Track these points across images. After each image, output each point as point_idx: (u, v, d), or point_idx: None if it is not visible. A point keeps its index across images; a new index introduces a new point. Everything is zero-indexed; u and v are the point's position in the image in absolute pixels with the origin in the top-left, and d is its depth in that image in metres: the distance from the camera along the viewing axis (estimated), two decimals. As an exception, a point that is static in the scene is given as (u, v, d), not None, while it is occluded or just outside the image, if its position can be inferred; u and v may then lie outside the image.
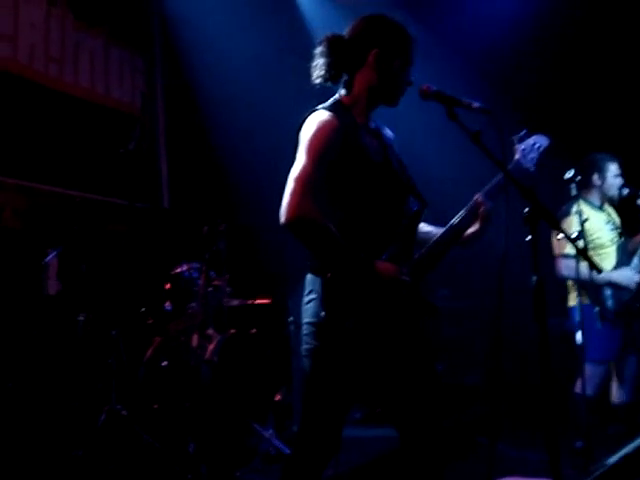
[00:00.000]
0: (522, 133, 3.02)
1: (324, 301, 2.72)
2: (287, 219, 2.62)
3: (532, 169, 2.97)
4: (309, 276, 2.82)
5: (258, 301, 5.56)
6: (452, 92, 2.79)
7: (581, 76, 6.34)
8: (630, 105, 6.19)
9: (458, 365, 6.82)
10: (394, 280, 2.69)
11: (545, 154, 3.03)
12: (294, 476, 2.79)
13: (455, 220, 2.90)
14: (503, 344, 5.87)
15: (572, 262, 4.62)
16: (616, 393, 5.10)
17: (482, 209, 2.90)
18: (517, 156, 3.00)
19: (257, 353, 4.95)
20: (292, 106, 3.12)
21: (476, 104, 2.75)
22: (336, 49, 2.87)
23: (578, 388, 4.54)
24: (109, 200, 5.00)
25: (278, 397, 5.02)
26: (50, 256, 4.48)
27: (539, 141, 3.01)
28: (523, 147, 2.98)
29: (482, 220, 2.91)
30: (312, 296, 2.78)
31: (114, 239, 5.16)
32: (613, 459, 3.29)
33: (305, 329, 2.80)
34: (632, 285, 4.90)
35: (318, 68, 2.88)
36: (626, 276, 4.92)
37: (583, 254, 2.90)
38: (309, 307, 2.79)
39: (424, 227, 3.07)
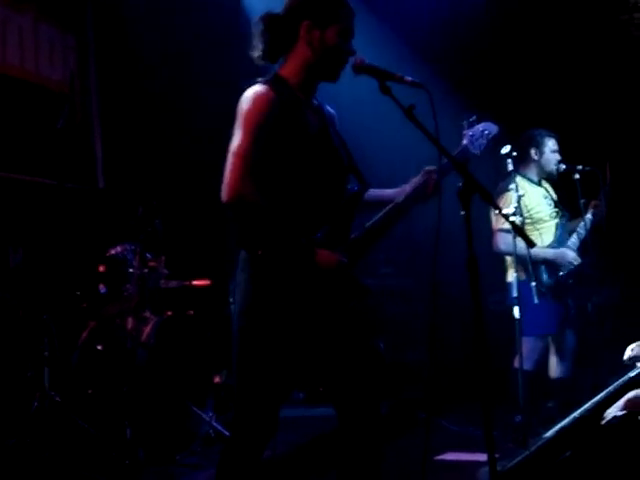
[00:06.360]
0: (472, 119, 3.01)
1: (253, 279, 2.67)
2: (226, 200, 2.61)
3: (479, 155, 2.96)
4: (242, 253, 2.77)
5: (197, 282, 5.48)
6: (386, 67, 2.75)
7: (518, 52, 6.38)
8: (567, 81, 6.24)
9: (401, 342, 6.86)
10: (332, 269, 2.66)
11: (493, 141, 3.02)
12: (232, 459, 2.76)
13: (400, 199, 2.86)
14: (445, 320, 5.95)
15: (509, 237, 4.64)
16: (555, 368, 5.17)
17: (432, 181, 2.86)
18: (465, 141, 2.98)
19: (195, 335, 4.88)
20: (231, 84, 3.06)
21: (408, 78, 2.71)
22: (271, 27, 2.82)
23: (517, 363, 4.58)
24: (39, 180, 4.85)
25: (217, 379, 4.96)
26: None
27: (488, 128, 3.01)
28: (471, 133, 2.97)
29: (431, 190, 2.86)
30: (243, 274, 2.73)
31: (45, 221, 5.02)
32: (549, 433, 3.32)
33: (237, 308, 2.76)
34: (567, 265, 4.96)
35: (255, 48, 2.85)
36: (562, 256, 4.98)
37: (517, 230, 2.90)
38: (240, 285, 2.74)
39: (375, 191, 3.02)
